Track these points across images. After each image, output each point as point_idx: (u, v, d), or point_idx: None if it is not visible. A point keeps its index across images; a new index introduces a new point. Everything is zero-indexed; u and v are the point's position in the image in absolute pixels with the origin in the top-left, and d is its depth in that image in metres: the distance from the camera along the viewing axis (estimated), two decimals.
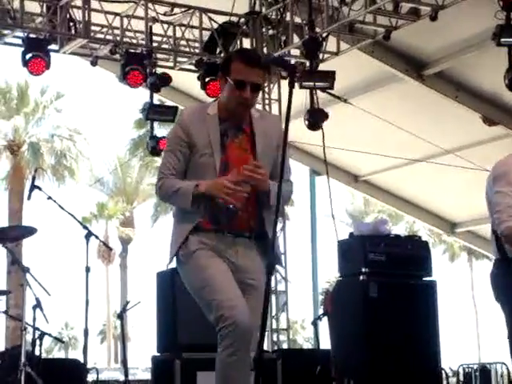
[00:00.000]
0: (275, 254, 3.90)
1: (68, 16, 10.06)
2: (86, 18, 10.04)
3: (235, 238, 4.02)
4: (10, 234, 7.18)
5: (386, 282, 7.40)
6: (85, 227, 7.20)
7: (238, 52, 5.34)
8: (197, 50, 10.89)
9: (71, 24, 10.13)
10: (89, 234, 7.11)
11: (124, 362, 8.24)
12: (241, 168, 3.89)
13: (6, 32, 10.01)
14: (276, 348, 11.18)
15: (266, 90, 11.59)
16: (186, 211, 4.02)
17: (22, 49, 9.74)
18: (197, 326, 6.33)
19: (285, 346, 11.92)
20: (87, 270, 6.99)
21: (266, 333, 11.47)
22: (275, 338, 11.60)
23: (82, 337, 7.08)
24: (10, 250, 7.22)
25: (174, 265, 4.15)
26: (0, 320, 20.09)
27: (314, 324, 8.42)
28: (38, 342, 7.03)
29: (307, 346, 35.20)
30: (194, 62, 10.96)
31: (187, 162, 4.03)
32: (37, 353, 7.03)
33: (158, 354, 7.69)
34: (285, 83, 11.51)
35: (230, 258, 4.01)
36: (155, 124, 11.79)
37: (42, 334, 7.05)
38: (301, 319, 40.64)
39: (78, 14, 10.10)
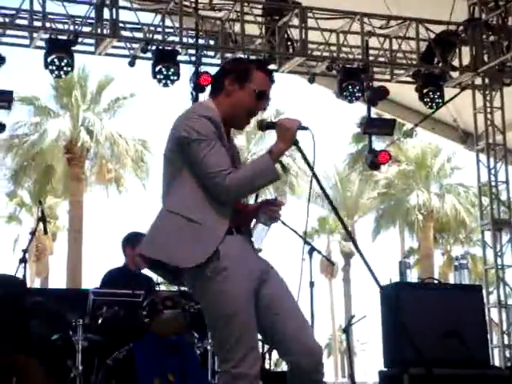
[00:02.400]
0: None
1: (286, 36, 10.31)
2: (303, 37, 10.24)
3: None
4: None
5: None
6: (307, 243, 7.28)
7: (257, 62, 4.62)
8: (414, 62, 10.79)
9: (289, 43, 10.37)
10: (312, 250, 7.18)
11: (351, 376, 8.22)
12: None
13: (228, 55, 10.40)
14: (509, 364, 10.77)
15: (488, 97, 11.26)
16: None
17: None
18: (424, 340, 6.24)
19: None
20: (311, 284, 7.04)
21: (497, 349, 11.08)
22: (508, 354, 11.17)
23: None
24: None
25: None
26: None
27: None
28: (266, 355, 7.19)
29: None
30: (410, 73, 10.86)
31: None
32: (266, 366, 7.18)
33: (386, 369, 7.62)
34: (507, 90, 11.12)
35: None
36: (373, 137, 11.74)
37: (271, 348, 7.20)
38: None
39: (295, 33, 10.32)
